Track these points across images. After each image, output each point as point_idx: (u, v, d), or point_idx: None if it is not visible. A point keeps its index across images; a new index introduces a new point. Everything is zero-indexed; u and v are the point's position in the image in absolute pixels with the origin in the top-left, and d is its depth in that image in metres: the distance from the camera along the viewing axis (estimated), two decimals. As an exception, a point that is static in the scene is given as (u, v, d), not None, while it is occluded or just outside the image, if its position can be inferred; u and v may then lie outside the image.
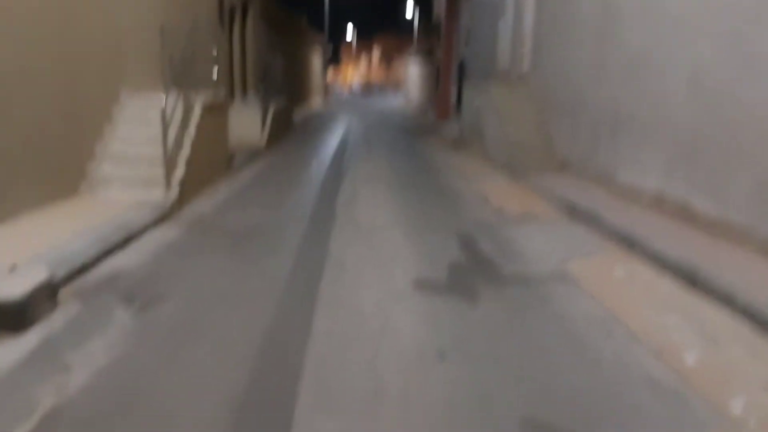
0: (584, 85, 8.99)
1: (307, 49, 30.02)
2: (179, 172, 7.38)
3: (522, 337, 3.90)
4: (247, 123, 13.15)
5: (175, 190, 7.11)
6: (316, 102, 32.37)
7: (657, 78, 6.93)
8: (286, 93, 17.44)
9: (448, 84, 21.93)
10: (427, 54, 29.94)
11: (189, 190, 7.55)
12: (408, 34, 49.23)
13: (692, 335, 3.94)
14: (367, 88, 63.64)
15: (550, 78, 10.56)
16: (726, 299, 4.29)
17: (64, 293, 4.30)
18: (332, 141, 15.71)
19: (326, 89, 41.36)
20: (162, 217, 6.60)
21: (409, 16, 44.88)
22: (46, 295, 4.01)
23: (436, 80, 24.99)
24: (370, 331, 3.91)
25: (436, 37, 25.94)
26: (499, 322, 4.13)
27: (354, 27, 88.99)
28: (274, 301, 4.40)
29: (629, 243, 5.84)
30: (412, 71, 38.93)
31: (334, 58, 65.75)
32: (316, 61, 34.16)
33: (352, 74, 77.25)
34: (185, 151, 7.65)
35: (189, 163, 7.61)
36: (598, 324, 4.13)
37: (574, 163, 9.38)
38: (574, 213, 7.27)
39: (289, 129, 16.96)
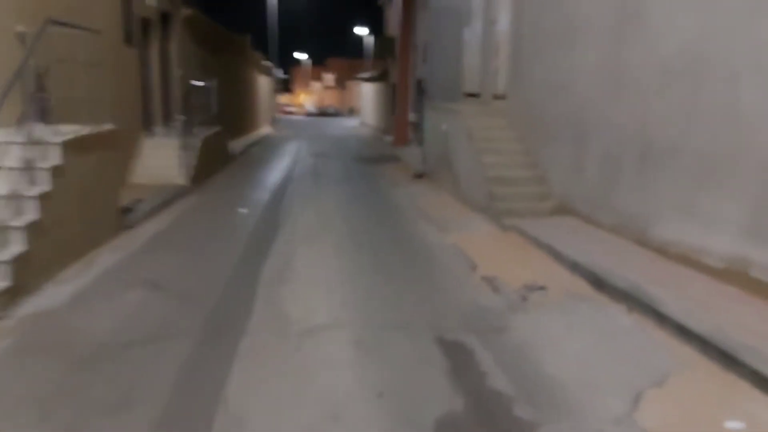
0: (591, 103, 6.82)
1: (253, 72, 27.44)
2: (15, 247, 4.85)
3: None
4: (165, 158, 10.67)
5: (2, 276, 4.58)
6: (264, 128, 29.75)
7: (721, 87, 4.77)
8: (224, 119, 14.95)
9: (406, 106, 19.77)
10: (382, 74, 27.84)
11: (36, 271, 5.04)
12: (362, 56, 47.33)
13: None
14: (322, 113, 61.39)
15: (538, 94, 8.38)
16: None
17: None
18: (274, 175, 13.23)
19: (276, 114, 38.70)
20: (-32, 328, 4.08)
21: (360, 33, 43.04)
22: None
23: (392, 102, 22.83)
24: None
25: (390, 56, 23.85)
26: None
27: (306, 54, 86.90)
28: None
29: (721, 353, 3.60)
30: (367, 93, 36.83)
31: (285, 86, 63.30)
32: (264, 84, 31.62)
33: (306, 99, 74.81)
34: (29, 215, 5.12)
35: (37, 230, 5.09)
36: None
37: (578, 205, 7.19)
38: (603, 285, 5.02)
39: (225, 162, 14.39)
